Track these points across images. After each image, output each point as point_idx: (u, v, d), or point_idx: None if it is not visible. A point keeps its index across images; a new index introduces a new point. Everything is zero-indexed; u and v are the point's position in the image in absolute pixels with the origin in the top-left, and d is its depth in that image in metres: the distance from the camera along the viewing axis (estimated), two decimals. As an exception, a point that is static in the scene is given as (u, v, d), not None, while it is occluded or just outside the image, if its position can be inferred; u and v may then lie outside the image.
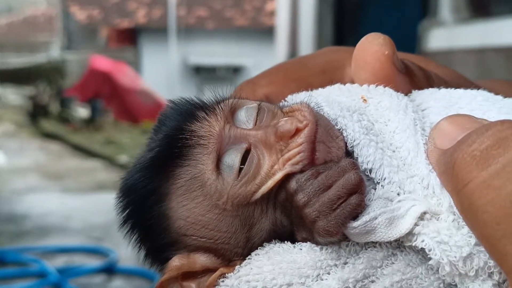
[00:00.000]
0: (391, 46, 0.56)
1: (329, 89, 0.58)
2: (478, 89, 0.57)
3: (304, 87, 0.61)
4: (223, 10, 16.72)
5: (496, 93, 0.56)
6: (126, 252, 4.89)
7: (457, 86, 0.58)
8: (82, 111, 13.06)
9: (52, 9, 22.64)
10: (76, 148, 10.39)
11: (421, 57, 0.70)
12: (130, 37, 16.40)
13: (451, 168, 0.45)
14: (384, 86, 0.55)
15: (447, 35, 3.67)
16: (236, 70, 15.72)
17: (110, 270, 4.75)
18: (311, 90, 0.59)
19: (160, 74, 14.63)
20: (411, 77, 0.58)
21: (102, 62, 11.72)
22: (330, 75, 0.62)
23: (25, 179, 7.94)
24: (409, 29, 4.05)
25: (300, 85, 0.63)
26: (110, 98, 11.34)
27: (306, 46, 6.12)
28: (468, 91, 0.56)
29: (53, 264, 4.76)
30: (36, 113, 13.75)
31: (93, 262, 4.90)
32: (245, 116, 0.55)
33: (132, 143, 9.62)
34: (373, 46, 0.56)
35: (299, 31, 6.58)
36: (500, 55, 3.07)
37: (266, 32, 14.51)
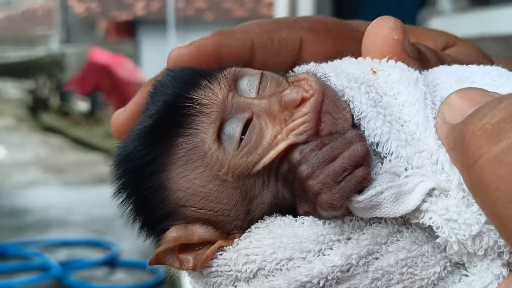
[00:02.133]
0: (402, 31, 0.54)
1: (338, 61, 0.56)
2: (491, 64, 0.54)
3: (338, 47, 0.59)
4: (222, 1, 16.66)
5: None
6: (128, 245, 4.91)
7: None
8: (82, 105, 13.04)
9: (51, 2, 22.56)
10: (77, 141, 10.39)
11: (444, 34, 0.67)
12: (129, 30, 16.35)
13: (461, 143, 0.43)
14: (396, 61, 0.53)
15: (446, 24, 3.65)
16: (235, 62, 15.66)
17: (112, 263, 4.76)
18: (347, 54, 0.57)
19: (160, 66, 14.38)
20: (424, 62, 0.56)
21: (101, 55, 11.68)
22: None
23: (26, 173, 7.94)
24: (408, 19, 4.02)
25: (336, 44, 0.61)
26: (110, 91, 11.30)
27: (305, 36, 6.10)
28: (482, 66, 0.54)
29: (55, 258, 4.77)
30: (36, 107, 13.74)
31: (95, 255, 4.92)
32: (247, 85, 0.53)
33: (132, 136, 9.59)
34: (383, 30, 0.54)
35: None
36: (499, 44, 3.06)
37: (265, 24, 14.43)
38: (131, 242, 4.65)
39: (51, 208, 6.19)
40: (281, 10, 7.69)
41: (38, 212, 6.09)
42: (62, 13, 19.25)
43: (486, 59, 0.61)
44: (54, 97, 14.03)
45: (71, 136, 10.78)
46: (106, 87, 11.24)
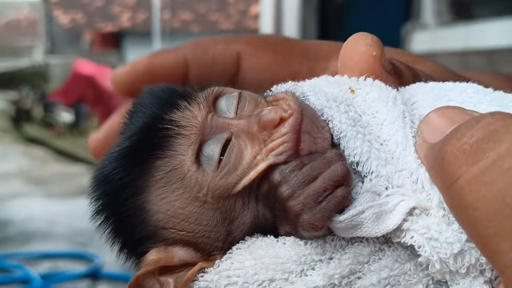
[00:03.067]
0: (379, 47, 0.54)
1: (316, 79, 0.56)
2: (467, 81, 0.55)
3: (279, 61, 0.60)
4: (208, 13, 16.70)
5: (486, 86, 0.55)
6: (111, 257, 4.85)
7: (445, 81, 0.56)
8: (66, 116, 12.94)
9: (35, 13, 22.46)
10: (60, 153, 10.31)
11: (408, 53, 0.68)
12: (114, 41, 16.32)
13: (440, 163, 0.43)
14: (374, 79, 0.53)
15: (430, 38, 3.69)
16: (221, 74, 15.69)
17: (94, 275, 4.71)
18: (289, 68, 0.58)
19: (145, 78, 14.53)
20: (399, 77, 0.56)
21: (86, 66, 11.63)
22: (311, 63, 0.61)
23: (9, 185, 7.85)
24: (392, 32, 4.06)
25: (277, 59, 0.61)
26: (94, 102, 11.24)
27: (290, 49, 6.13)
28: (458, 83, 0.54)
29: (37, 270, 4.71)
30: (19, 117, 13.63)
31: (78, 267, 4.87)
32: (226, 105, 0.53)
33: (117, 148, 9.54)
34: (360, 47, 0.54)
35: (283, 34, 6.61)
36: (482, 58, 3.10)
37: (250, 36, 14.49)
38: (114, 255, 4.61)
39: (33, 220, 6.13)
40: (267, 22, 7.72)
41: (20, 224, 6.02)
42: (47, 23, 19.16)
43: (455, 76, 0.62)
44: (37, 108, 13.93)
45: (55, 148, 10.70)
46: (90, 98, 11.17)
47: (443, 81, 0.55)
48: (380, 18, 4.80)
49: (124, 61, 15.42)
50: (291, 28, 6.05)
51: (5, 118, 14.50)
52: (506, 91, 0.53)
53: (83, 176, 8.03)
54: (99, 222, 0.54)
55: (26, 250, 5.24)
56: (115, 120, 0.63)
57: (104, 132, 0.65)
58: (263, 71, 0.61)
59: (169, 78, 0.61)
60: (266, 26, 7.65)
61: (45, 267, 4.91)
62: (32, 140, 11.65)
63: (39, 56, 19.28)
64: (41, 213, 6.36)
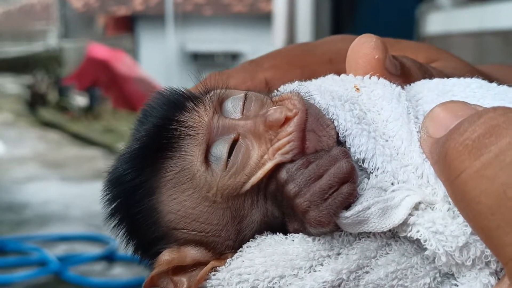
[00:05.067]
0: (383, 50, 0.54)
1: (322, 79, 0.57)
2: (471, 77, 0.55)
3: (308, 75, 0.60)
4: (221, -4, 16.62)
5: (497, 78, 0.55)
6: (126, 240, 4.90)
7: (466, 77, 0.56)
8: (80, 100, 13.03)
9: (49, -3, 22.49)
10: (75, 136, 10.39)
11: (432, 48, 0.67)
12: (128, 25, 16.32)
13: (444, 158, 0.44)
14: (378, 77, 0.54)
15: (445, 19, 3.65)
16: (234, 57, 15.65)
17: (110, 257, 4.77)
18: (316, 79, 0.57)
19: (158, 61, 14.57)
20: (407, 77, 0.56)
21: (100, 50, 11.66)
22: (337, 66, 0.61)
23: (25, 168, 7.94)
24: (407, 14, 4.02)
25: (305, 73, 0.61)
26: (108, 86, 11.29)
27: (303, 32, 6.09)
28: (462, 79, 0.55)
29: (53, 253, 4.78)
30: (34, 102, 13.72)
31: (93, 250, 4.92)
32: (232, 106, 0.54)
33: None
34: (364, 49, 0.55)
35: (296, 17, 6.55)
36: (498, 39, 3.06)
37: (263, 18, 14.42)
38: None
39: (49, 203, 6.20)
40: (280, 4, 7.67)
41: (36, 207, 6.09)
42: (61, 8, 19.20)
43: (474, 72, 0.61)
44: (52, 92, 14.01)
45: (70, 131, 10.77)
46: (104, 82, 11.22)
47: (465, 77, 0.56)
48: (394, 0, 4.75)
49: (138, 44, 15.43)
50: (304, 11, 6.01)
51: (21, 102, 14.61)
52: (510, 85, 0.54)
53: (98, 159, 8.11)
54: (113, 224, 0.55)
55: (42, 233, 5.31)
56: None
57: None
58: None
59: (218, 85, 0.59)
60: (279, 8, 7.60)
61: (61, 249, 4.97)
62: (47, 124, 11.74)
63: (53, 40, 19.34)
64: (57, 196, 6.43)
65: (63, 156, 8.90)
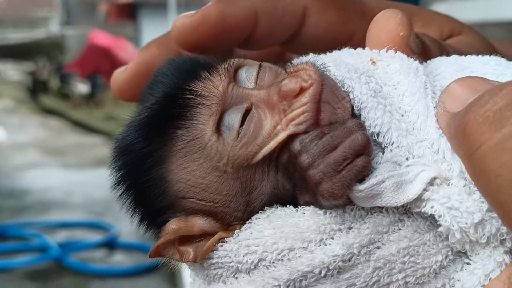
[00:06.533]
0: (408, 26, 0.53)
1: (338, 52, 0.56)
2: (490, 54, 0.54)
3: (342, 18, 0.58)
4: (223, -16, 16.56)
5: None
6: (127, 226, 4.92)
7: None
8: (82, 87, 13.00)
9: (51, -16, 22.42)
10: (76, 124, 10.39)
11: (456, 21, 0.66)
12: (130, 12, 16.27)
13: (463, 131, 0.43)
14: (395, 51, 0.52)
15: (448, 9, 3.63)
16: (236, 45, 15.63)
17: (111, 244, 4.78)
18: (346, 28, 0.56)
19: (160, 49, 14.51)
20: (427, 56, 0.55)
21: (102, 38, 11.65)
22: (369, 24, 0.57)
23: (26, 155, 7.95)
24: (410, 2, 4.01)
25: (341, 15, 0.59)
26: (110, 73, 11.21)
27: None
28: (480, 56, 0.54)
29: (54, 239, 4.79)
30: (36, 89, 13.71)
31: (94, 236, 4.94)
32: (246, 76, 0.53)
33: (132, 119, 9.59)
34: (389, 25, 0.53)
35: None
36: (501, 29, 3.05)
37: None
38: (130, 224, 4.66)
39: (51, 190, 6.21)
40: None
41: (38, 194, 6.10)
42: (63, -6, 19.14)
43: (493, 50, 0.60)
44: (54, 79, 13.99)
45: (71, 119, 10.77)
46: (106, 69, 11.22)
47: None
48: (398, -11, 4.73)
49: (140, 32, 15.40)
50: None
51: (22, 89, 14.60)
52: None
53: (99, 146, 8.11)
54: (119, 192, 0.54)
55: (43, 219, 5.32)
56: (139, 60, 0.59)
57: (128, 71, 0.61)
58: (327, 30, 0.59)
59: (238, 31, 0.57)
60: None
61: (62, 236, 4.98)
62: (49, 111, 11.74)
63: (55, 27, 19.30)
64: (58, 183, 6.44)
65: (64, 143, 8.90)
